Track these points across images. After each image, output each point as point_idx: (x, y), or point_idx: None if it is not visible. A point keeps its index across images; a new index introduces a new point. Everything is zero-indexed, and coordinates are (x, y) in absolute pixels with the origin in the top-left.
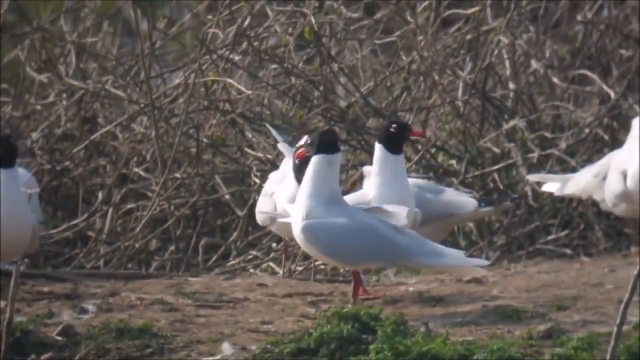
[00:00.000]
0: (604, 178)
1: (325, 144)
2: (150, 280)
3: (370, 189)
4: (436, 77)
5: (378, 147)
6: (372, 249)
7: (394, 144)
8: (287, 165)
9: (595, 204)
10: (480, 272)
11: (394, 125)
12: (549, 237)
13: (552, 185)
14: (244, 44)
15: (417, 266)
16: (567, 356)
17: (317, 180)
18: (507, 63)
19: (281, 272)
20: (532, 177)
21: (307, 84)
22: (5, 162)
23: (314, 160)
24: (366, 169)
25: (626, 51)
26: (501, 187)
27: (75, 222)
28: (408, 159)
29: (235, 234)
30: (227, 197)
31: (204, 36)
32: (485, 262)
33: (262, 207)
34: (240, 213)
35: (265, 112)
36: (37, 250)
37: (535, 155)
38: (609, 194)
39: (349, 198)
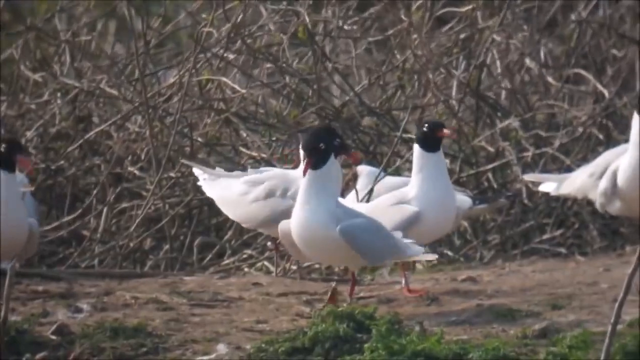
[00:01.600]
0: (599, 178)
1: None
2: (144, 279)
3: (412, 188)
4: (430, 76)
5: (415, 147)
6: (390, 246)
7: (428, 143)
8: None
9: (590, 203)
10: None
11: (426, 125)
12: (544, 236)
13: (548, 185)
14: (238, 43)
15: (396, 260)
16: (562, 355)
17: (329, 183)
18: (500, 62)
19: (275, 271)
20: (528, 177)
21: (301, 83)
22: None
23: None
24: (359, 168)
25: (620, 50)
26: (495, 186)
27: (66, 219)
28: (401, 157)
29: (229, 233)
30: None
31: (198, 35)
32: (434, 256)
33: (276, 207)
34: None
35: (260, 111)
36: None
37: (529, 154)
38: (600, 192)
39: (389, 198)
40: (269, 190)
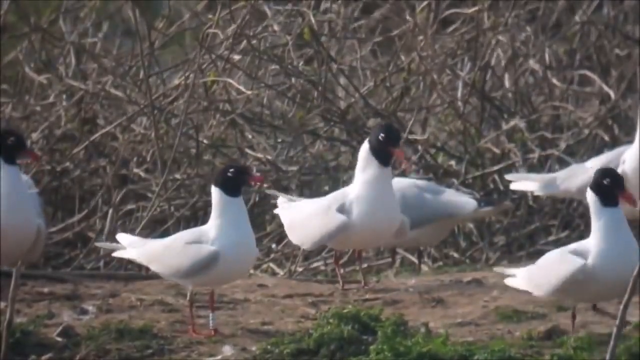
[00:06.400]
0: None
1: None
2: (150, 281)
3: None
4: (435, 77)
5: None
6: None
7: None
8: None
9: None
10: None
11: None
12: (550, 238)
13: (529, 184)
14: (243, 44)
15: None
16: (567, 357)
17: None
18: (505, 63)
19: (341, 284)
20: (509, 177)
21: (307, 84)
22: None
23: None
24: None
25: (625, 51)
26: (501, 187)
27: (71, 220)
28: (408, 159)
29: None
30: None
31: (203, 36)
32: None
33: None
34: None
35: (265, 112)
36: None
37: (535, 155)
38: None
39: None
40: (327, 204)
